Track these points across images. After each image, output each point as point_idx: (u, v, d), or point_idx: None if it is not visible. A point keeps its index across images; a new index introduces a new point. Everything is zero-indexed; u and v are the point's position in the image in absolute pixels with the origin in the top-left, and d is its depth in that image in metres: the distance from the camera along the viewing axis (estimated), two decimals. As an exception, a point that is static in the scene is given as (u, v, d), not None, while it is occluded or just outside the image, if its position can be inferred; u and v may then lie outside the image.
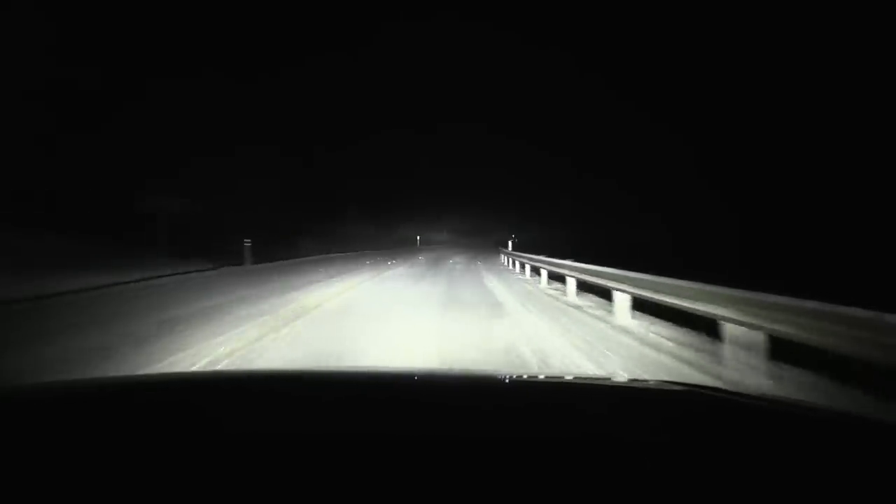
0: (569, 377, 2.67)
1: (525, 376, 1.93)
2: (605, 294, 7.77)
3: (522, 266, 15.99)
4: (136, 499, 0.69)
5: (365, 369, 2.82)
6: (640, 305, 6.60)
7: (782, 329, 3.44)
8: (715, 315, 4.22)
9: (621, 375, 4.02)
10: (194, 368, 4.19)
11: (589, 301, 8.77)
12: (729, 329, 4.04)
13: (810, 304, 3.25)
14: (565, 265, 9.87)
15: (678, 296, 4.93)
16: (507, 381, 1.60)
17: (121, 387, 1.44)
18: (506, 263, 21.77)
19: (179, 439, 0.90)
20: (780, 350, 3.77)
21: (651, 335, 5.69)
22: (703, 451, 0.87)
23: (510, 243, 26.18)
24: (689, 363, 4.45)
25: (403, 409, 1.14)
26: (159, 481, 0.73)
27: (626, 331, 6.01)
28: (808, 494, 0.71)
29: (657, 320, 6.40)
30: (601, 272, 7.55)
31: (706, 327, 4.86)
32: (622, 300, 6.66)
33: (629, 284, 6.39)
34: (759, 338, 3.73)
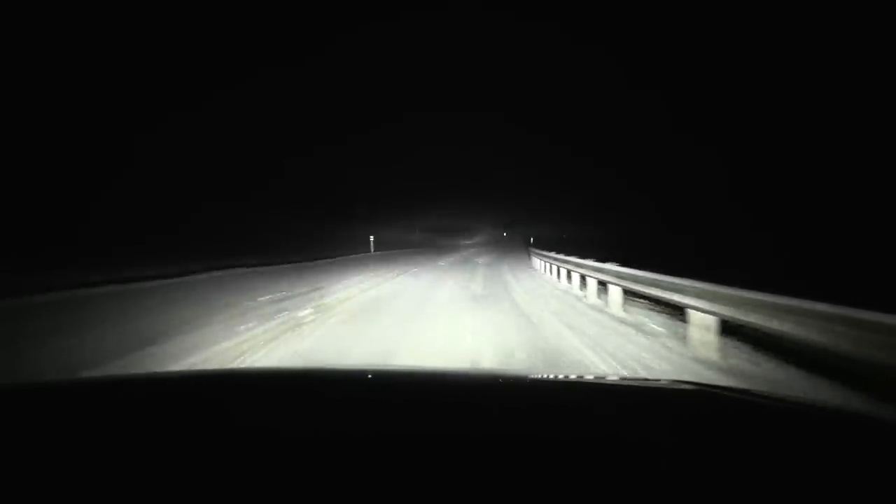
0: (578, 376, 2.57)
1: (535, 376, 1.91)
2: None
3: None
4: (140, 496, 0.69)
5: (373, 367, 2.92)
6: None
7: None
8: None
9: (632, 375, 3.89)
10: None
11: None
12: None
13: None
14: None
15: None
16: (517, 380, 1.63)
17: (123, 385, 1.46)
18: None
19: (183, 437, 0.90)
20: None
21: None
22: (716, 451, 0.87)
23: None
24: None
25: (413, 407, 1.14)
26: (161, 479, 0.73)
27: None
28: (821, 493, 0.71)
29: None
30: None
31: None
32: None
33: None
34: None
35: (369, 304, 9.29)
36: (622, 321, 7.07)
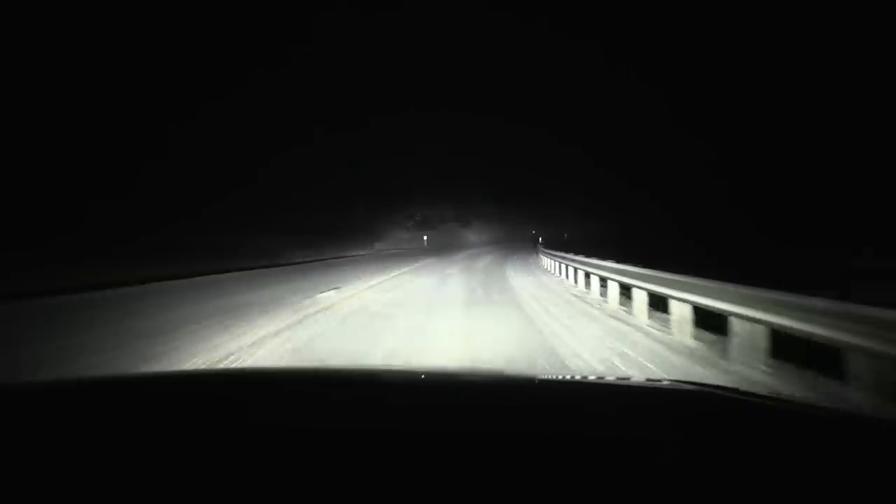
0: (579, 377, 2.57)
1: (537, 376, 1.92)
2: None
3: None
4: (140, 495, 0.68)
5: (378, 367, 3.11)
6: None
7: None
8: None
9: (633, 375, 3.91)
10: None
11: None
12: None
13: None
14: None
15: None
16: (521, 380, 1.63)
17: (123, 385, 1.44)
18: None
19: (184, 437, 0.89)
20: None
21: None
22: (716, 451, 0.87)
23: None
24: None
25: (418, 406, 1.13)
26: (163, 477, 0.73)
27: None
28: (821, 494, 0.71)
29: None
30: None
31: None
32: None
33: None
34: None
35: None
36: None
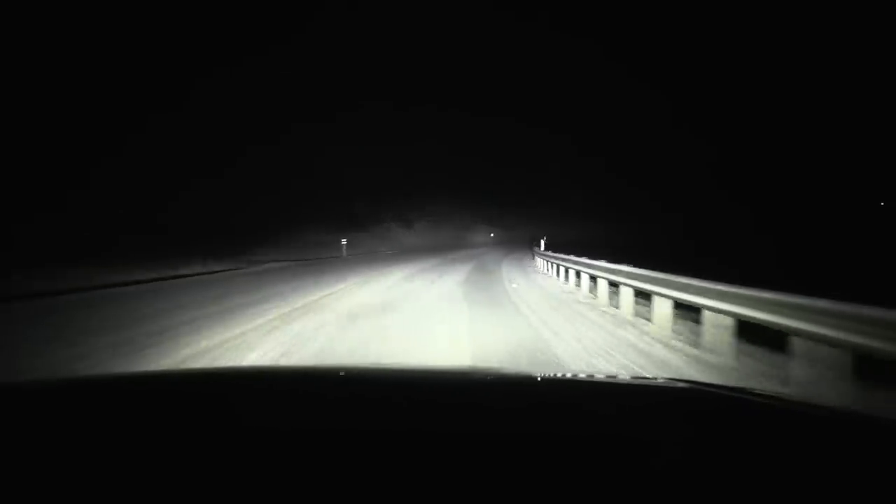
0: (572, 375, 2.59)
1: (534, 374, 1.88)
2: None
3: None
4: (138, 494, 0.68)
5: (375, 366, 3.08)
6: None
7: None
8: None
9: (625, 374, 4.08)
10: None
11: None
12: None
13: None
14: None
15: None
16: (517, 379, 1.62)
17: (121, 384, 1.43)
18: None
19: (182, 436, 0.88)
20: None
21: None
22: (712, 449, 0.87)
23: None
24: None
25: (415, 405, 1.12)
26: (161, 476, 0.72)
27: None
28: (815, 493, 0.70)
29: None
30: None
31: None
32: None
33: None
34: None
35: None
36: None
